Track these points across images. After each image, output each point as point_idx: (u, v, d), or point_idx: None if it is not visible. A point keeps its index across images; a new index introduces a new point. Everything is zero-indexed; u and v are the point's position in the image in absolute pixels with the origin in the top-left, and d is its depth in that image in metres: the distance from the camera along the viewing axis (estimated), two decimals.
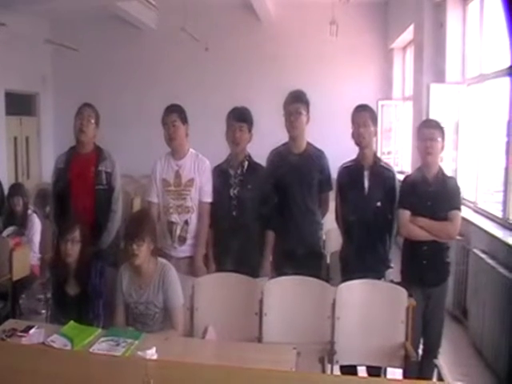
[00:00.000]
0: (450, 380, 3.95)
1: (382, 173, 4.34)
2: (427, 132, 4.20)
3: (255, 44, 11.94)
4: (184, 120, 4.51)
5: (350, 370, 4.04)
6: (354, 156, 4.43)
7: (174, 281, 3.83)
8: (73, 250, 3.85)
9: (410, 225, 4.16)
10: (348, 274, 4.15)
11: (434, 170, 4.21)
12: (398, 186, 4.34)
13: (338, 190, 4.50)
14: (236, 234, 4.36)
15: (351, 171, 4.40)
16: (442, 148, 4.23)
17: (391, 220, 4.32)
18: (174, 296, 3.80)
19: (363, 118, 4.30)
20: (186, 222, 4.48)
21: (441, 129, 4.23)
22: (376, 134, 4.41)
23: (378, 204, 4.26)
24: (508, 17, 1.96)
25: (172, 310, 3.79)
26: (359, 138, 4.29)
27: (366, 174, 4.31)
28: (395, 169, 4.59)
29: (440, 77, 7.80)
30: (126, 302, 3.85)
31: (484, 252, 5.45)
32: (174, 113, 4.49)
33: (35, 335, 3.46)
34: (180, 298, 3.84)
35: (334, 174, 4.54)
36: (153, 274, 3.83)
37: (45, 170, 11.81)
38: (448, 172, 4.38)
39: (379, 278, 4.16)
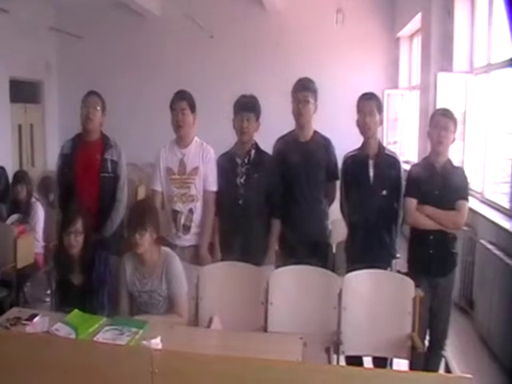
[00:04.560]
0: (457, 372, 3.94)
1: (387, 161, 4.30)
2: (442, 121, 4.15)
3: (260, 32, 11.87)
4: (193, 109, 4.47)
5: (355, 361, 4.03)
6: (359, 144, 4.39)
7: (178, 269, 3.83)
8: (76, 241, 3.83)
9: (417, 213, 4.13)
10: (354, 264, 4.12)
11: (442, 159, 4.17)
12: (403, 174, 4.31)
13: (343, 179, 4.48)
14: (242, 223, 4.35)
15: (356, 160, 4.35)
16: (453, 139, 4.18)
17: (397, 209, 4.28)
18: (178, 285, 3.79)
19: (369, 106, 4.25)
20: (191, 211, 4.45)
21: (454, 120, 4.18)
22: (381, 122, 4.36)
23: (384, 193, 4.23)
24: (508, 7, 1.93)
25: (176, 298, 3.78)
26: (365, 127, 4.26)
27: (370, 163, 4.27)
28: (401, 158, 4.54)
29: (447, 66, 7.74)
30: (129, 291, 3.85)
31: (491, 243, 5.41)
32: (185, 100, 4.44)
33: (39, 324, 3.44)
34: (184, 287, 3.83)
35: (341, 163, 4.50)
36: (156, 263, 3.82)
37: (49, 158, 11.77)
38: (455, 162, 4.34)
39: (385, 268, 4.13)
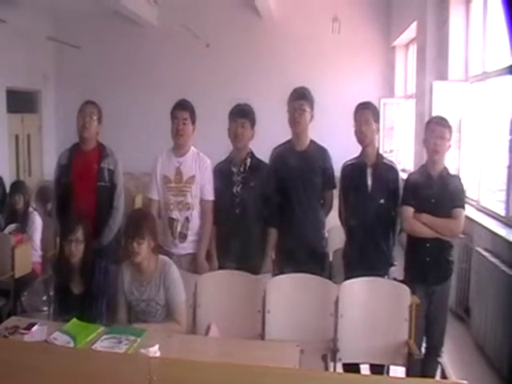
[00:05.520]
0: (453, 378, 3.95)
1: (385, 170, 4.33)
2: (437, 129, 4.17)
3: (256, 41, 11.91)
4: (193, 120, 4.49)
5: (353, 368, 4.02)
6: (356, 154, 4.42)
7: (176, 277, 3.83)
8: (77, 249, 3.83)
9: (414, 221, 4.15)
10: (351, 272, 4.13)
11: (439, 167, 4.19)
12: (401, 182, 4.33)
13: (341, 188, 4.49)
14: (239, 232, 4.36)
15: (354, 169, 4.38)
16: (449, 147, 4.21)
17: (394, 217, 4.30)
18: (176, 293, 3.79)
19: (365, 115, 4.29)
20: (187, 219, 4.47)
21: (450, 128, 4.21)
22: (378, 131, 4.39)
23: (382, 201, 4.25)
24: (507, 14, 1.94)
25: (174, 306, 3.79)
26: (361, 136, 4.29)
27: (368, 171, 4.30)
28: (398, 167, 4.57)
29: (443, 75, 7.77)
30: (127, 299, 3.85)
31: (487, 250, 5.43)
32: (187, 111, 4.47)
33: (38, 332, 3.45)
34: (182, 295, 3.83)
35: (337, 172, 4.52)
36: (154, 272, 3.82)
37: (46, 168, 11.78)
38: (450, 170, 4.36)
39: (382, 276, 4.15)
